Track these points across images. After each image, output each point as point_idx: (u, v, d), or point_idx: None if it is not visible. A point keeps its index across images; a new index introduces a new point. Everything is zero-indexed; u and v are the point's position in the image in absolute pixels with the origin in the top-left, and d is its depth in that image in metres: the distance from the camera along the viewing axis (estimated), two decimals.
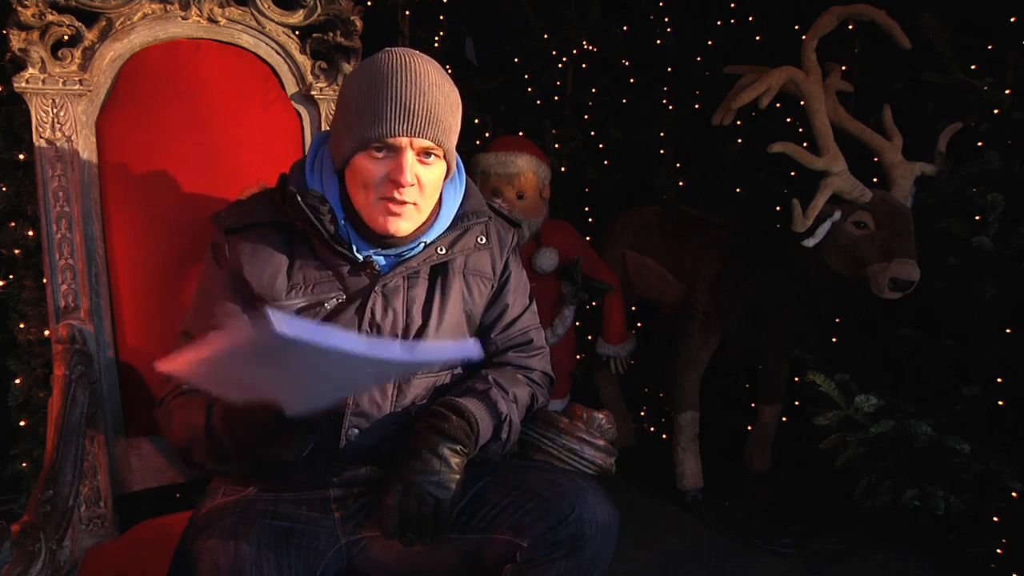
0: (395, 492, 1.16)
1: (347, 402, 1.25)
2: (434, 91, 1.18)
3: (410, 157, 1.18)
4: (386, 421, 1.27)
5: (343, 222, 1.24)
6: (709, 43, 3.21)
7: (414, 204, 1.21)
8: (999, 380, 2.14)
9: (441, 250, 1.29)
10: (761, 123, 2.79)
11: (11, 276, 2.05)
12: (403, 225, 1.22)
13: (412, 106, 1.16)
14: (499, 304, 1.39)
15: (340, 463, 1.28)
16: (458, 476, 1.18)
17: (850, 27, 2.58)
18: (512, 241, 1.41)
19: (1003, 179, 2.17)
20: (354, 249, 1.24)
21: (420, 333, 1.28)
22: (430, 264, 1.29)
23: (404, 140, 1.17)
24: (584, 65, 3.24)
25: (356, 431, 1.26)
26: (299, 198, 1.21)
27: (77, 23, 1.48)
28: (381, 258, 1.27)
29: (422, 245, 1.28)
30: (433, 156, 1.20)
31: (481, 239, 1.34)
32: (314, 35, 1.67)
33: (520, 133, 2.75)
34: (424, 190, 1.21)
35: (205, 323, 1.26)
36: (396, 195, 1.18)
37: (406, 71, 1.17)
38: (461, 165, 1.33)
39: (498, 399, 1.28)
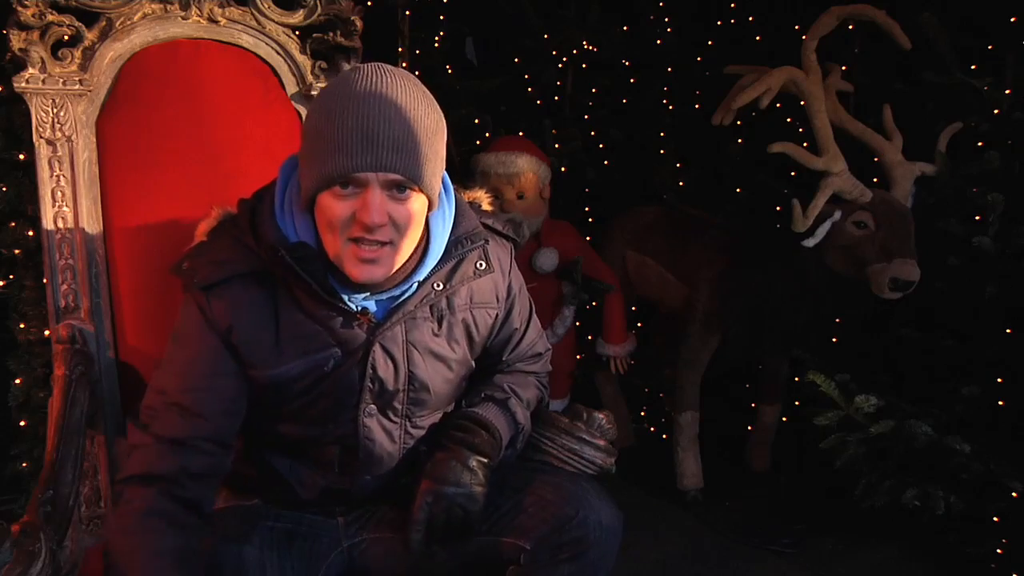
0: (424, 505, 1.15)
1: (358, 455, 1.21)
2: (402, 116, 1.02)
3: (377, 194, 1.02)
4: (396, 464, 1.25)
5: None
6: (709, 43, 3.21)
7: (389, 244, 1.06)
8: (999, 380, 2.14)
9: (438, 285, 1.17)
10: (761, 123, 2.79)
11: (11, 276, 2.05)
12: (378, 272, 1.07)
13: (375, 136, 1.01)
14: (507, 329, 1.32)
15: (353, 503, 1.27)
16: (483, 488, 1.17)
17: (850, 27, 2.58)
18: (511, 259, 1.30)
19: (1003, 179, 2.17)
20: (345, 299, 1.12)
21: (425, 379, 1.21)
22: (428, 304, 1.18)
23: (369, 175, 1.02)
24: (584, 65, 3.23)
25: (368, 478, 1.24)
26: (282, 252, 1.07)
27: (77, 23, 1.48)
28: (372, 303, 1.15)
29: (415, 285, 1.16)
30: (407, 190, 1.05)
31: (480, 264, 1.22)
32: (314, 35, 1.67)
33: (520, 133, 2.75)
34: (400, 228, 1.06)
35: (189, 384, 1.13)
36: (366, 236, 1.04)
37: (369, 95, 1.02)
38: (450, 185, 1.19)
39: (516, 409, 1.27)
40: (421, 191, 1.07)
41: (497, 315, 1.28)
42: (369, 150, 1.01)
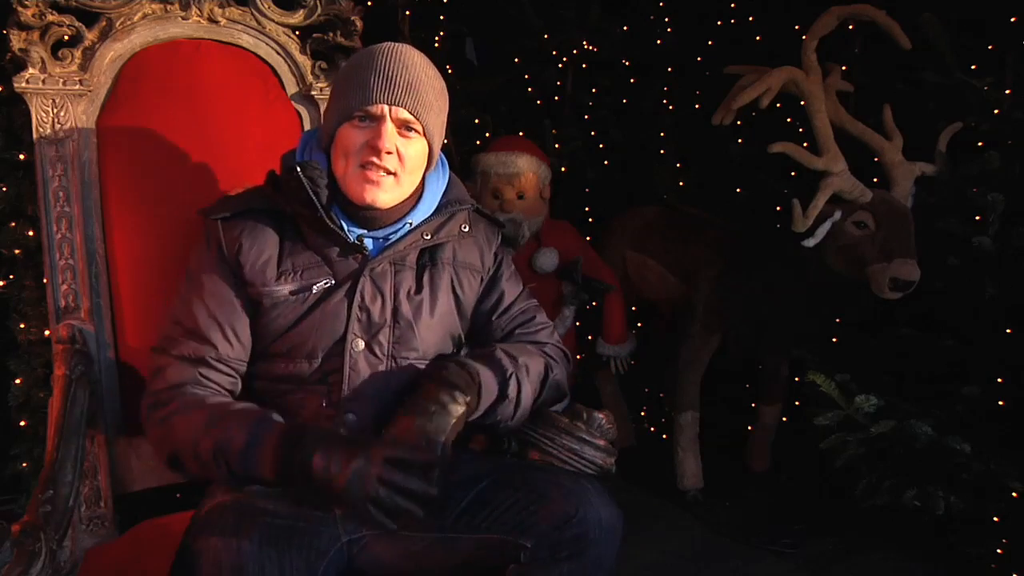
0: (387, 436, 1.17)
1: (343, 388, 1.26)
2: (416, 70, 1.24)
3: (389, 126, 1.22)
4: (380, 405, 1.27)
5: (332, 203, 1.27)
6: (709, 43, 3.21)
7: (393, 175, 1.24)
8: (999, 380, 2.14)
9: (427, 235, 1.32)
10: (761, 123, 2.79)
11: (11, 276, 2.05)
12: (381, 196, 1.24)
13: (393, 77, 1.21)
14: (495, 292, 1.42)
15: None
16: (454, 420, 1.18)
17: (850, 27, 2.58)
18: (497, 238, 1.44)
19: (1003, 179, 2.17)
20: (344, 228, 1.26)
21: (410, 318, 1.30)
22: (417, 248, 1.32)
23: (384, 108, 1.22)
24: (584, 65, 3.24)
25: (352, 416, 1.26)
26: (298, 170, 1.24)
27: (77, 23, 1.48)
28: (369, 241, 1.29)
29: (407, 226, 1.30)
30: (414, 132, 1.25)
31: (465, 227, 1.37)
32: (314, 35, 1.67)
33: (520, 133, 2.75)
34: (404, 162, 1.24)
35: (202, 313, 1.26)
36: (374, 161, 1.22)
37: (392, 51, 1.24)
38: (445, 160, 1.38)
39: (502, 358, 1.30)
40: (424, 136, 1.26)
41: (482, 279, 1.41)
42: (386, 88, 1.21)
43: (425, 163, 1.29)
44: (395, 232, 1.30)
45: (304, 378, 1.28)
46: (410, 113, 1.23)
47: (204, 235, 1.31)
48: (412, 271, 1.33)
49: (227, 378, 1.28)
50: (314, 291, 1.27)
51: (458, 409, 1.19)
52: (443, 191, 1.36)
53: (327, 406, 1.27)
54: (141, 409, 1.27)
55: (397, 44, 1.26)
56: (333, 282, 1.28)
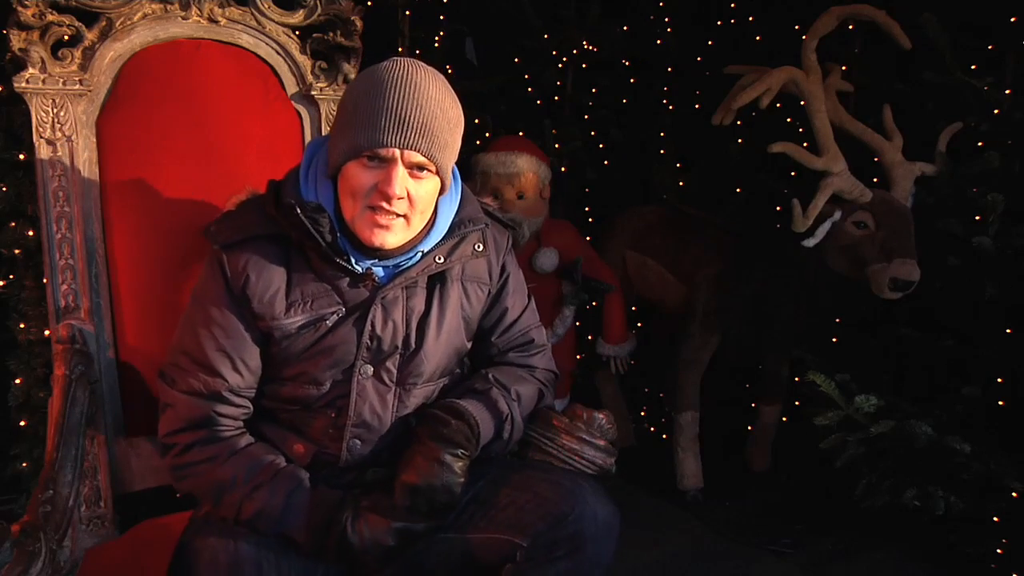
0: (400, 500, 1.18)
1: (348, 414, 1.25)
2: (431, 105, 1.15)
3: (400, 170, 1.15)
4: (387, 430, 1.28)
5: (339, 234, 1.21)
6: (709, 43, 3.21)
7: (403, 217, 1.18)
8: (999, 380, 2.14)
9: (439, 259, 1.27)
10: (761, 123, 2.79)
11: (11, 276, 2.05)
12: (390, 239, 1.19)
13: (406, 118, 1.13)
14: (499, 307, 1.39)
15: (341, 471, 1.28)
16: (461, 480, 1.19)
17: (850, 27, 2.58)
18: (507, 244, 1.40)
19: (1003, 179, 2.17)
20: (352, 261, 1.22)
21: (419, 343, 1.28)
22: (428, 273, 1.28)
23: (395, 152, 1.14)
24: (584, 65, 3.24)
25: (358, 442, 1.27)
26: (298, 210, 1.17)
27: (77, 23, 1.48)
28: (380, 269, 1.25)
29: (419, 255, 1.26)
30: (425, 171, 1.18)
31: (478, 246, 1.32)
32: (314, 35, 1.67)
33: (520, 133, 2.75)
34: (414, 204, 1.18)
35: (210, 343, 1.23)
36: (384, 206, 1.16)
37: (405, 82, 1.14)
38: (457, 174, 1.31)
39: (498, 398, 1.29)
40: (437, 174, 1.20)
41: (489, 291, 1.37)
42: (399, 130, 1.13)
43: (437, 195, 1.24)
44: (407, 260, 1.25)
45: (311, 401, 1.26)
46: (423, 156, 1.16)
47: (209, 260, 1.26)
48: (423, 291, 1.29)
49: (240, 410, 1.26)
50: (327, 323, 1.23)
51: (462, 466, 1.21)
52: (456, 210, 1.30)
53: (333, 429, 1.26)
54: (159, 443, 1.28)
55: (409, 71, 1.15)
56: (344, 311, 1.24)
